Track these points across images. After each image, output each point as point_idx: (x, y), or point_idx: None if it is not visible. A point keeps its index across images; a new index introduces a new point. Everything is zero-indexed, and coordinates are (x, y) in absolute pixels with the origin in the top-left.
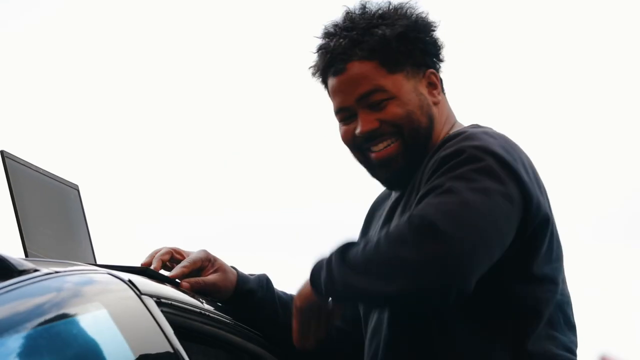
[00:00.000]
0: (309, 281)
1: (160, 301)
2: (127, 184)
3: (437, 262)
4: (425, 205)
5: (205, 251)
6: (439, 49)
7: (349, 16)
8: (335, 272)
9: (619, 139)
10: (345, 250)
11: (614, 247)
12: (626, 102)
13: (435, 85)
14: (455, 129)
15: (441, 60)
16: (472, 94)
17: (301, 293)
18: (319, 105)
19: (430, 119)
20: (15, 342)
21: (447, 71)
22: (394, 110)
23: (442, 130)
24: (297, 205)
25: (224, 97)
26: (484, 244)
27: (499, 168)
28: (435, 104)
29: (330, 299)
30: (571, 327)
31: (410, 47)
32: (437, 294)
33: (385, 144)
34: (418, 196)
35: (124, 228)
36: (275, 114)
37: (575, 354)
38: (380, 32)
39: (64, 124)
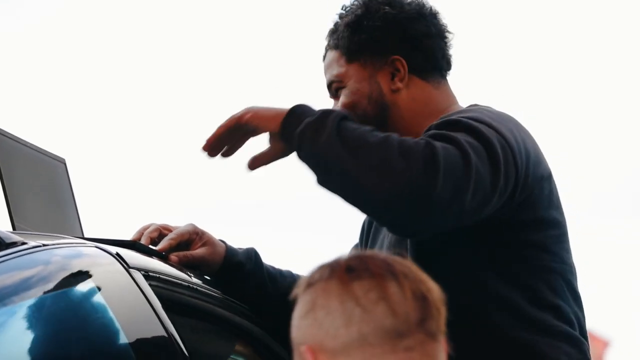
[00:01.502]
0: (280, 114)
1: (148, 274)
2: (114, 158)
3: (417, 195)
4: (444, 141)
5: (192, 225)
6: (415, 37)
7: (344, 7)
8: (323, 130)
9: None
10: (345, 118)
11: (597, 222)
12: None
13: (399, 72)
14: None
15: (419, 49)
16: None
17: (262, 114)
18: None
19: (383, 108)
20: (2, 314)
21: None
22: (343, 100)
23: (425, 115)
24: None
25: (213, 67)
26: (471, 197)
27: (493, 137)
28: (395, 91)
29: (288, 146)
30: (576, 297)
31: (364, 35)
32: (399, 219)
33: None
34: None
35: (111, 202)
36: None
37: (578, 326)
38: (342, 21)
39: (51, 98)
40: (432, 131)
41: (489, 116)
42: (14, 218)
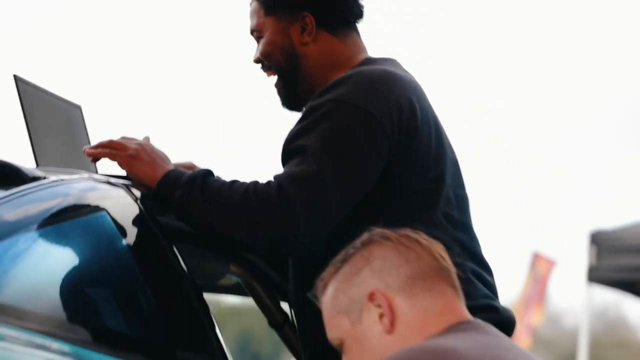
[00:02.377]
0: (153, 178)
1: (154, 205)
2: (124, 103)
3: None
4: (286, 173)
5: (191, 163)
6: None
7: None
8: (191, 189)
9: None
10: (209, 175)
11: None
12: None
13: (307, 27)
14: (355, 66)
15: (326, 4)
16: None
17: (137, 172)
18: None
19: (293, 59)
20: (26, 241)
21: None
22: (260, 48)
23: (330, 66)
24: None
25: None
26: (330, 211)
27: (357, 119)
28: (304, 44)
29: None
30: (459, 225)
31: None
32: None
33: (269, 73)
34: (284, 141)
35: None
36: None
37: (461, 248)
38: None
39: (68, 49)
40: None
41: (356, 89)
42: (37, 156)
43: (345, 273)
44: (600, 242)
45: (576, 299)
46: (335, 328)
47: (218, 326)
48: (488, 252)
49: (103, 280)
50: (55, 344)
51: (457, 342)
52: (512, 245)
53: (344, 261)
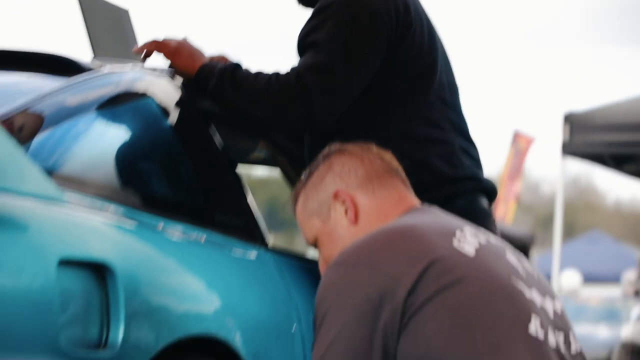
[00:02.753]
0: (192, 67)
1: (193, 92)
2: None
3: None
4: (302, 63)
5: (223, 56)
6: None
7: None
8: (223, 79)
9: None
10: (238, 66)
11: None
12: None
13: None
14: None
15: None
16: None
17: (178, 62)
18: None
19: None
20: (85, 122)
21: None
22: None
23: None
24: None
25: None
26: (340, 94)
27: (361, 17)
28: None
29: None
30: (450, 106)
31: None
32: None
33: None
34: (299, 37)
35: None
36: None
37: (451, 126)
38: None
39: None
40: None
41: None
42: (94, 50)
43: (312, 182)
44: (573, 121)
45: (552, 171)
46: (309, 229)
47: (249, 194)
48: (475, 132)
49: (151, 154)
50: (111, 207)
51: (413, 219)
52: (495, 125)
53: (310, 174)
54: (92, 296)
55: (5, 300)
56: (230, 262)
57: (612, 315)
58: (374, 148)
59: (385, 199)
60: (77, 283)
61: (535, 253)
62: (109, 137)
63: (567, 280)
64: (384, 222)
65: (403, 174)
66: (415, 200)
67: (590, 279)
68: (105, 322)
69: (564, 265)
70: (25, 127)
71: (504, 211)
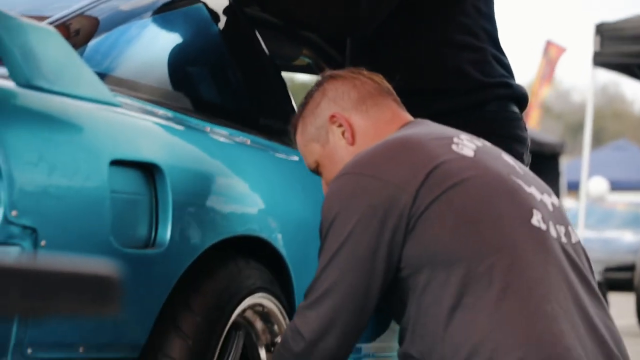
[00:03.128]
0: None
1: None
2: None
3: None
4: None
5: None
6: None
7: None
8: None
9: None
10: None
11: None
12: None
13: None
14: None
15: None
16: None
17: None
18: None
19: None
20: (138, 27)
21: None
22: None
23: None
24: None
25: None
26: (384, 2)
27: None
28: None
29: None
30: (484, 15)
31: None
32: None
33: None
34: None
35: None
36: None
37: (485, 34)
38: None
39: None
40: None
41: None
42: None
43: (308, 109)
44: (603, 32)
45: (582, 80)
46: (310, 154)
47: (292, 99)
48: (509, 41)
49: (200, 59)
50: (161, 111)
51: (411, 131)
52: (529, 35)
53: (305, 103)
54: (142, 196)
55: (60, 198)
56: (273, 164)
57: (638, 220)
58: (365, 72)
59: (380, 117)
60: (128, 183)
61: (564, 160)
62: (160, 42)
63: (595, 186)
64: (380, 139)
65: (394, 93)
66: (408, 116)
67: (617, 186)
68: (154, 221)
69: (592, 172)
70: (80, 31)
71: (532, 118)
